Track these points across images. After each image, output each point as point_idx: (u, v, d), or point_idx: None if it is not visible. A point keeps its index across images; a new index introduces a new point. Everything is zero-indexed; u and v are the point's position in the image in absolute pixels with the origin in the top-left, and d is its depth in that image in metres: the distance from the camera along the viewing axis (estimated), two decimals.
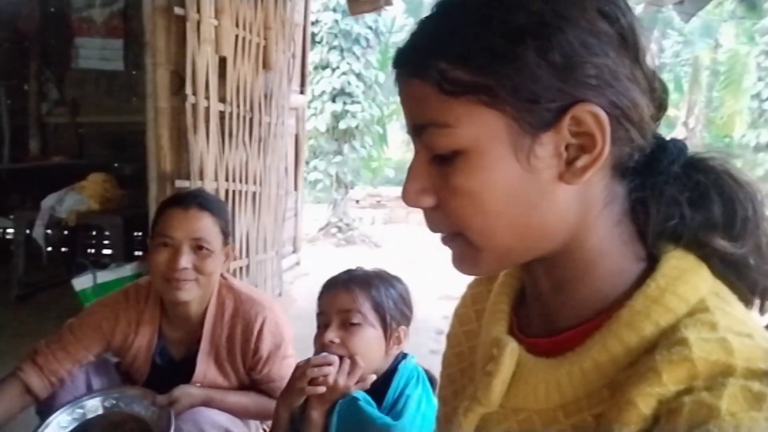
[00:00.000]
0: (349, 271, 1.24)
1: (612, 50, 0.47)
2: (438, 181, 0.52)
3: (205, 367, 1.50)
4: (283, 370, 1.53)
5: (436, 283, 4.14)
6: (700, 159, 0.55)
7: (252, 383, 1.56)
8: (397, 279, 1.27)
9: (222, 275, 1.54)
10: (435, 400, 1.17)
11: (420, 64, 0.50)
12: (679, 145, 0.55)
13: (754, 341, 0.46)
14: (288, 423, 1.18)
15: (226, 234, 1.48)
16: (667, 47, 14.62)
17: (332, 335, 1.15)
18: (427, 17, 0.52)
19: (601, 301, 0.53)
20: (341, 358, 1.14)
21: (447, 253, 0.56)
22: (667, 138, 0.55)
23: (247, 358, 1.50)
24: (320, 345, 1.17)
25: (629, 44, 0.49)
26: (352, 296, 1.17)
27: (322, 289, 1.23)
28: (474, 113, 0.48)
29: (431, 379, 1.23)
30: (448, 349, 0.75)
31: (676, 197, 0.53)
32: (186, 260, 1.39)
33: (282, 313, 1.59)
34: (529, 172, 0.48)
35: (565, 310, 0.55)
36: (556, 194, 0.50)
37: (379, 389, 1.17)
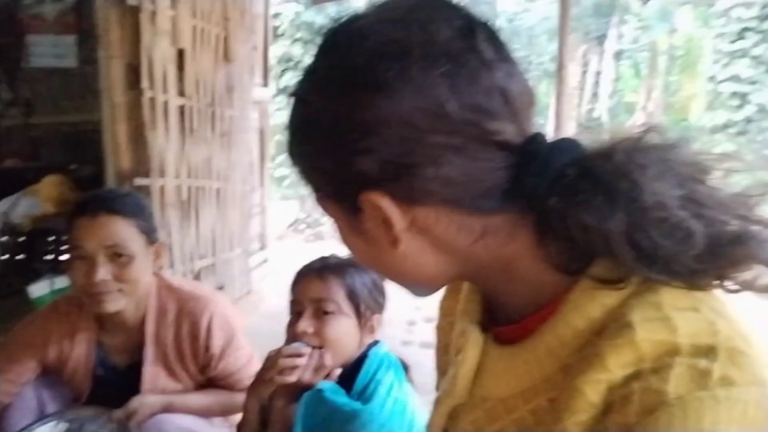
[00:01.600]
0: (322, 259, 1.20)
1: (382, 135, 0.48)
2: None
3: (153, 372, 1.43)
4: (239, 361, 1.49)
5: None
6: (572, 175, 0.49)
7: (207, 381, 1.50)
8: None
9: (159, 275, 1.47)
10: (408, 386, 1.17)
11: (288, 153, 0.58)
12: (543, 157, 0.49)
13: (699, 314, 0.45)
14: (258, 413, 1.16)
15: (149, 232, 1.38)
16: (625, 33, 14.88)
17: (305, 325, 1.12)
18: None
19: (555, 288, 0.52)
20: (313, 349, 1.11)
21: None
22: (542, 143, 0.51)
23: (199, 357, 1.44)
24: (293, 334, 1.14)
25: (405, 120, 0.47)
26: (326, 285, 1.14)
27: (295, 276, 1.20)
28: (322, 201, 0.56)
29: (405, 367, 1.21)
30: (438, 342, 0.76)
31: (558, 210, 0.49)
32: (103, 272, 1.29)
33: (228, 304, 1.54)
34: (371, 243, 0.54)
35: (519, 303, 0.55)
36: (403, 254, 0.53)
37: (349, 375, 1.14)
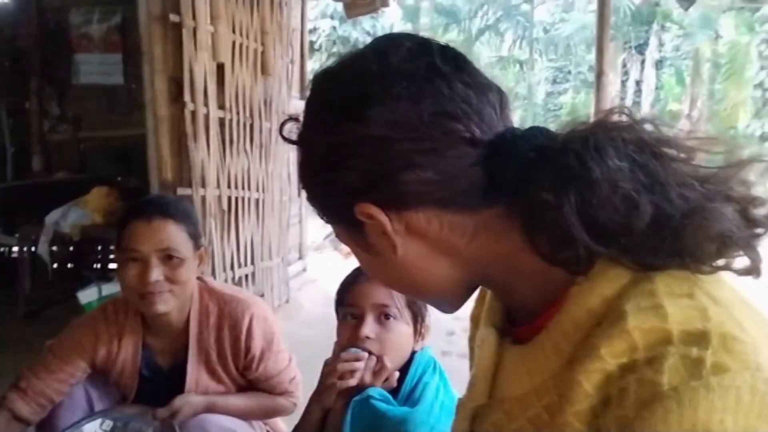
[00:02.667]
0: None
1: (360, 150, 0.53)
2: None
3: (196, 374, 1.46)
4: (279, 364, 1.50)
5: None
6: (533, 160, 0.52)
7: (248, 383, 1.52)
8: None
9: (201, 278, 1.51)
10: (453, 390, 1.16)
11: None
12: (503, 155, 0.52)
13: (692, 301, 0.46)
14: (321, 421, 1.14)
15: (196, 238, 1.43)
16: (666, 41, 14.59)
17: (369, 330, 1.11)
18: None
19: (561, 284, 0.53)
20: (369, 354, 1.10)
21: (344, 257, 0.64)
22: (510, 134, 0.54)
23: (239, 359, 1.46)
24: (354, 339, 1.11)
25: (375, 136, 0.52)
26: (389, 290, 1.11)
27: (348, 278, 1.18)
28: (332, 226, 0.61)
29: None
30: (470, 352, 0.77)
31: (537, 199, 0.51)
32: (156, 273, 1.34)
33: (268, 307, 1.56)
34: (377, 255, 0.58)
35: (531, 302, 0.57)
36: (409, 261, 0.57)
37: (396, 379, 1.13)
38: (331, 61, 0.60)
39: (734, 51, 13.36)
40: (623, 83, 14.55)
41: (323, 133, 0.55)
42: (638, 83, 14.64)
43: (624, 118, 0.53)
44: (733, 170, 0.51)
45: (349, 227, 0.59)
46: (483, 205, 0.54)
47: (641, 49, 14.37)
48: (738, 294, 0.50)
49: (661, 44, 14.49)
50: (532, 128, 0.55)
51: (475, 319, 0.75)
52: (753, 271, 0.49)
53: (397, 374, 1.12)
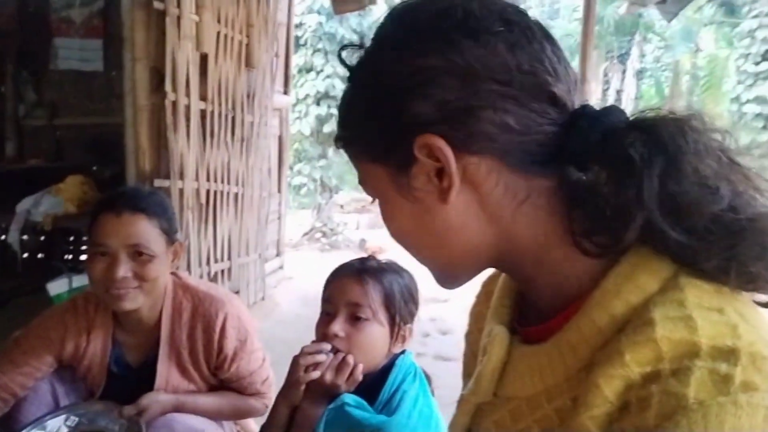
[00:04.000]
0: (362, 260, 1.17)
1: (439, 80, 0.51)
2: None
3: (166, 371, 1.43)
4: (252, 364, 1.47)
5: (422, 287, 4.10)
6: (619, 129, 0.51)
7: (220, 383, 1.49)
8: (408, 273, 1.20)
9: (175, 274, 1.47)
10: (432, 398, 1.14)
11: (337, 138, 0.61)
12: (589, 119, 0.52)
13: (723, 317, 0.45)
14: (286, 417, 1.13)
15: (170, 233, 1.38)
16: (648, 52, 14.80)
17: (337, 328, 1.09)
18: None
19: (577, 286, 0.53)
20: (335, 353, 1.09)
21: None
22: (591, 108, 0.53)
23: (212, 358, 1.43)
24: (323, 335, 1.11)
25: (460, 67, 0.51)
26: (365, 289, 1.10)
27: (331, 274, 1.16)
28: (369, 170, 0.58)
29: (428, 378, 1.18)
30: (467, 348, 0.76)
31: (597, 178, 0.51)
32: (124, 269, 1.30)
33: (243, 306, 1.53)
34: (417, 202, 0.55)
35: (545, 300, 0.56)
36: (450, 213, 0.54)
37: (374, 385, 1.12)
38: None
39: (713, 64, 13.63)
40: (604, 92, 14.73)
41: (407, 55, 0.52)
42: (619, 92, 14.84)
43: (702, 124, 0.52)
44: None
45: (393, 165, 0.55)
46: (538, 174, 0.53)
47: (623, 59, 14.56)
48: (763, 315, 0.49)
49: (642, 55, 14.69)
50: (612, 106, 0.54)
51: (475, 315, 0.75)
52: None
53: (360, 367, 1.10)
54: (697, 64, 14.63)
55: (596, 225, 0.50)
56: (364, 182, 0.59)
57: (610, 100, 14.72)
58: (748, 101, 11.67)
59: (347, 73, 0.59)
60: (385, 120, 0.54)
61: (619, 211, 0.48)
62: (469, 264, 0.58)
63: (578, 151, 0.51)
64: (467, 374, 0.75)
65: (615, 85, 14.90)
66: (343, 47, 0.60)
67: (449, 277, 0.61)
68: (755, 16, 11.61)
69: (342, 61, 0.59)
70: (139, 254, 1.32)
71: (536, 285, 0.57)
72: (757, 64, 11.61)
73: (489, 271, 0.70)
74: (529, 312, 0.60)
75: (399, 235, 0.59)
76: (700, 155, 0.49)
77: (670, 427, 0.41)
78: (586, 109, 0.53)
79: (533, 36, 0.52)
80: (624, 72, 14.79)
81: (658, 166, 0.48)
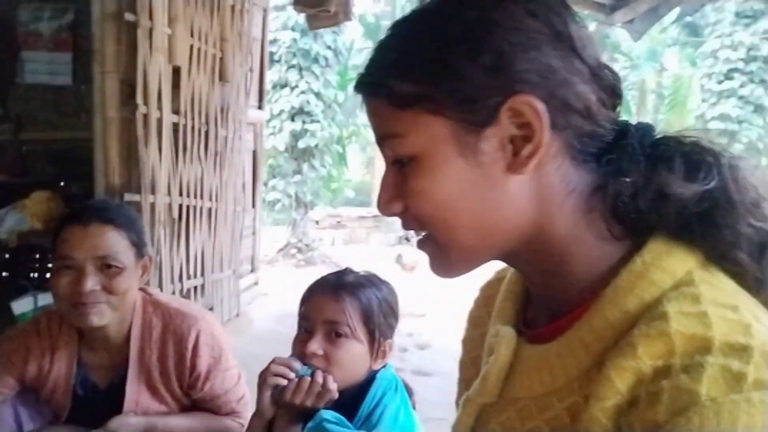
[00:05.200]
0: (339, 275, 1.14)
1: (544, 44, 0.50)
2: (402, 186, 0.55)
3: (136, 393, 1.37)
4: (227, 382, 1.42)
5: (399, 302, 4.09)
6: (668, 138, 0.55)
7: (193, 403, 1.44)
8: (387, 285, 1.17)
9: (145, 290, 1.42)
10: (413, 412, 1.13)
11: (373, 83, 0.55)
12: (642, 128, 0.55)
13: (737, 314, 0.45)
14: None
15: (139, 246, 1.34)
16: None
17: (315, 347, 1.07)
18: (379, 40, 0.57)
19: (591, 284, 0.53)
20: (314, 372, 1.06)
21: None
22: (634, 122, 0.56)
23: (184, 377, 1.38)
24: (301, 354, 1.08)
25: (563, 37, 0.51)
26: (342, 306, 1.07)
27: (308, 290, 1.14)
28: (420, 122, 0.52)
29: (409, 391, 1.17)
30: (464, 354, 0.75)
31: (643, 181, 0.52)
32: (92, 282, 1.24)
33: (216, 322, 1.48)
34: (478, 167, 0.51)
35: (558, 297, 0.56)
36: (508, 186, 0.52)
37: (355, 399, 1.09)
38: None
39: (678, 83, 14.05)
40: None
41: (518, 12, 0.51)
42: None
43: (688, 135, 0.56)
44: None
45: (469, 121, 0.51)
46: (589, 168, 0.54)
47: None
48: None
49: None
50: (639, 123, 0.57)
51: (474, 321, 0.74)
52: None
53: (335, 386, 1.07)
54: (662, 83, 15.06)
55: (629, 224, 0.53)
56: (404, 135, 0.53)
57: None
58: (712, 118, 12.01)
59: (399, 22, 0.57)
60: (480, 69, 0.50)
61: (658, 213, 0.51)
62: (493, 246, 0.55)
63: (631, 154, 0.53)
64: (463, 380, 0.74)
65: None
66: None
67: (460, 261, 0.56)
68: (718, 37, 12.01)
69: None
70: (107, 266, 1.27)
71: (552, 279, 0.56)
72: (720, 83, 11.99)
73: (487, 276, 0.69)
74: (536, 314, 0.60)
75: (436, 201, 0.53)
76: (745, 170, 0.53)
77: (681, 423, 0.41)
78: (628, 122, 0.56)
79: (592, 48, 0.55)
80: None
81: (728, 162, 0.51)
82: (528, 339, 0.59)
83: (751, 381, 0.41)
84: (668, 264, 0.49)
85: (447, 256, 0.56)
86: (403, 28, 0.55)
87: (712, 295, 0.47)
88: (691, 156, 0.52)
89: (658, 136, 0.55)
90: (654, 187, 0.51)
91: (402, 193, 0.55)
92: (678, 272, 0.49)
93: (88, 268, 1.25)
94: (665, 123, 14.45)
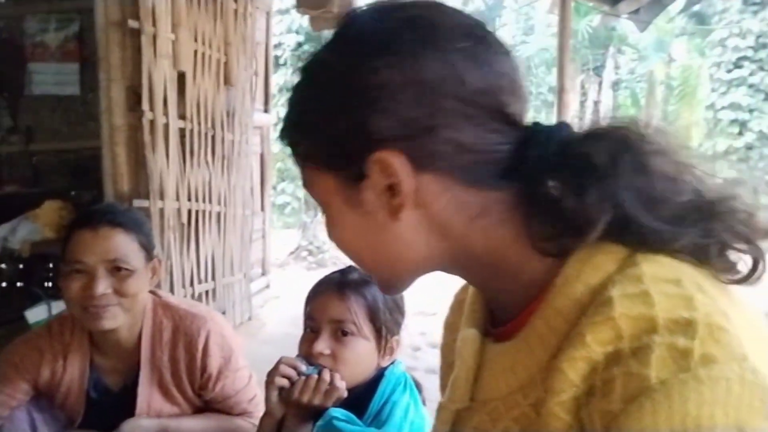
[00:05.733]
0: (342, 273, 1.13)
1: (403, 96, 0.50)
2: None
3: (148, 395, 1.37)
4: (238, 383, 1.42)
5: (410, 301, 4.07)
6: (575, 140, 0.52)
7: (205, 404, 1.44)
8: None
9: (155, 293, 1.42)
10: (423, 408, 1.12)
11: (282, 138, 0.59)
12: (544, 133, 0.52)
13: (679, 288, 0.45)
14: None
15: (148, 249, 1.35)
16: (622, 64, 15.07)
17: (322, 346, 1.06)
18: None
19: (540, 281, 0.52)
20: (321, 371, 1.06)
21: None
22: (542, 125, 0.54)
23: (195, 378, 1.38)
24: (308, 354, 1.08)
25: (426, 83, 0.50)
26: (347, 305, 1.07)
27: (312, 290, 1.13)
28: (314, 176, 0.56)
29: (418, 386, 1.16)
30: (442, 360, 0.75)
31: (554, 188, 0.51)
32: (103, 285, 1.25)
33: (226, 323, 1.48)
34: (366, 215, 0.53)
35: (509, 299, 0.55)
36: (400, 229, 0.53)
37: (364, 397, 1.08)
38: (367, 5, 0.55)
39: (686, 74, 13.92)
40: (582, 103, 14.95)
41: (370, 66, 0.50)
42: (596, 103, 15.07)
43: (643, 129, 0.53)
44: (737, 183, 0.52)
45: (345, 176, 0.53)
46: (494, 187, 0.52)
47: (598, 71, 14.80)
48: (721, 284, 0.49)
49: (617, 66, 14.95)
50: (562, 122, 0.55)
51: (449, 327, 0.73)
52: (753, 274, 0.49)
53: (344, 393, 1.07)
54: (671, 74, 14.93)
55: (557, 230, 0.50)
56: (310, 187, 0.58)
57: (588, 112, 14.94)
58: (722, 108, 11.91)
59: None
60: (342, 130, 0.52)
61: (583, 214, 0.48)
62: (415, 273, 0.58)
63: (536, 163, 0.51)
64: (443, 386, 0.73)
65: (592, 96, 15.13)
66: (308, 61, 0.58)
67: (392, 286, 0.60)
68: (726, 25, 11.91)
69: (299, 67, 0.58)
70: (117, 269, 1.27)
71: (496, 286, 0.56)
72: (729, 71, 11.88)
73: (460, 282, 0.68)
74: (497, 309, 0.60)
75: (342, 244, 0.58)
76: (663, 150, 0.50)
77: (635, 410, 0.40)
78: (538, 125, 0.53)
79: (496, 51, 0.52)
80: (600, 84, 15.03)
81: (626, 164, 0.49)
82: (494, 339, 0.58)
83: (698, 357, 0.40)
84: (610, 248, 0.49)
85: (376, 281, 0.61)
86: (294, 88, 0.58)
87: (654, 271, 0.46)
88: (582, 162, 0.50)
89: (567, 137, 0.53)
90: (565, 193, 0.51)
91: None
92: (620, 254, 0.48)
93: (99, 272, 1.26)
94: (675, 114, 14.34)
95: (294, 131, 0.57)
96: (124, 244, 1.29)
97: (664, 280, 0.45)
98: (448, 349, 0.73)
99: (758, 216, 0.50)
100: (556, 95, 4.59)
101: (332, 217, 0.57)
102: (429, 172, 0.51)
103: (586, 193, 0.48)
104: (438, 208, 0.52)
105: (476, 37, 0.52)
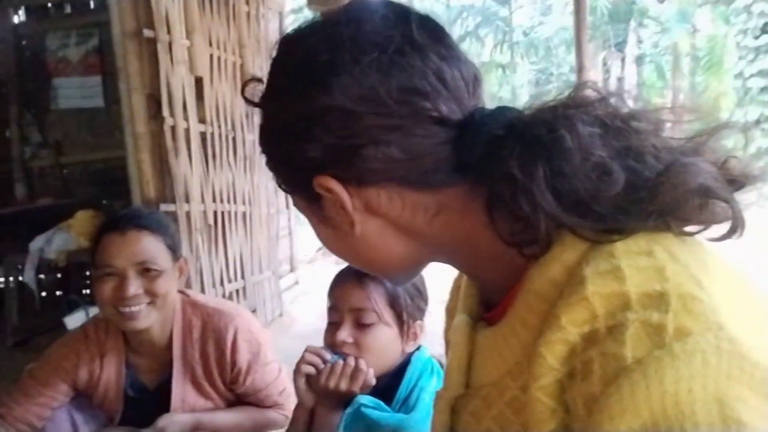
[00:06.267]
0: None
1: (326, 123, 0.51)
2: None
3: (182, 391, 1.42)
4: (267, 376, 1.46)
5: (435, 290, 4.08)
6: (498, 138, 0.50)
7: (237, 398, 1.48)
8: None
9: (184, 292, 1.47)
10: None
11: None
12: (473, 130, 0.51)
13: (651, 259, 0.44)
14: (305, 423, 1.12)
15: (174, 249, 1.39)
16: (645, 38, 14.72)
17: (344, 335, 1.08)
18: None
19: (522, 263, 0.51)
20: (345, 359, 1.07)
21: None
22: (477, 116, 0.52)
23: (226, 373, 1.42)
24: (331, 344, 1.09)
25: (342, 107, 0.50)
26: (366, 293, 1.08)
27: (333, 280, 1.15)
28: (292, 196, 0.60)
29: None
30: (446, 347, 0.75)
31: (497, 182, 0.50)
32: (134, 286, 1.30)
33: (253, 318, 1.52)
34: (334, 228, 0.57)
35: (495, 283, 0.56)
36: (366, 237, 0.55)
37: (391, 383, 1.10)
38: (301, 23, 0.57)
39: (712, 43, 13.51)
40: (606, 81, 14.66)
41: (287, 100, 0.53)
42: (620, 80, 14.76)
43: (592, 93, 0.52)
44: (705, 138, 0.49)
45: (307, 198, 0.57)
46: (447, 184, 0.53)
47: (620, 47, 14.50)
48: (700, 249, 0.47)
49: (639, 41, 14.62)
50: (500, 107, 0.53)
51: (450, 312, 0.74)
52: (734, 229, 0.47)
53: (373, 381, 1.08)
54: (696, 45, 14.52)
55: (515, 223, 0.49)
56: (295, 205, 0.61)
57: (612, 89, 14.63)
58: (752, 76, 11.53)
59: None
60: (285, 162, 0.56)
61: (524, 217, 0.48)
62: (406, 268, 0.60)
63: (470, 165, 0.51)
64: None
65: (615, 73, 14.82)
66: (246, 83, 0.60)
67: (394, 280, 0.63)
68: None
69: (246, 99, 0.59)
70: (147, 270, 1.32)
71: (480, 273, 0.58)
72: (756, 38, 11.48)
73: None
74: (486, 293, 0.60)
75: (331, 251, 0.61)
76: (582, 145, 0.47)
77: (614, 392, 0.40)
78: (474, 116, 0.51)
79: (414, 50, 0.50)
80: (623, 60, 14.72)
81: (541, 172, 0.47)
82: (486, 324, 0.58)
83: (672, 331, 0.40)
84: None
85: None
86: None
87: (626, 244, 0.45)
88: (502, 170, 0.49)
89: (493, 133, 0.51)
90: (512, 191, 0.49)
91: None
92: (600, 235, 0.47)
93: (130, 274, 1.30)
94: (703, 85, 13.96)
95: (269, 167, 0.60)
96: (151, 246, 1.33)
97: (636, 252, 0.45)
98: (449, 334, 0.74)
99: (727, 168, 0.48)
100: (576, 74, 4.52)
101: (315, 230, 0.60)
102: (371, 186, 0.53)
103: (517, 201, 0.48)
104: (395, 214, 0.54)
105: (387, 40, 0.50)
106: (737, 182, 0.48)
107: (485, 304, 0.61)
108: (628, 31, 14.34)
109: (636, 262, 0.44)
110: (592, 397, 0.41)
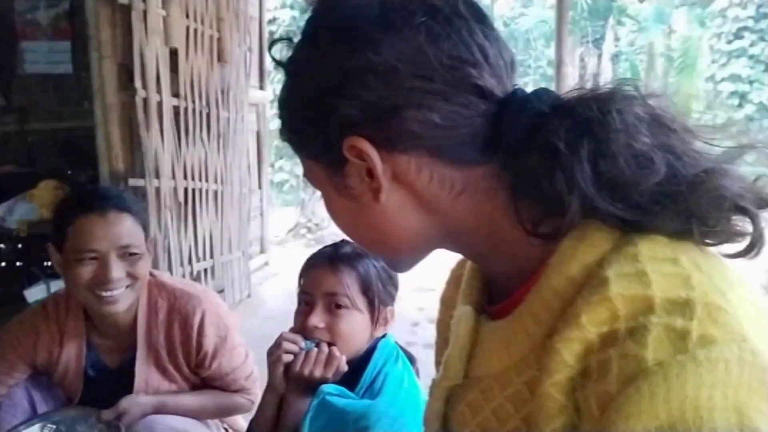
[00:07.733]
0: (335, 246, 1.14)
1: (364, 80, 0.50)
2: None
3: (145, 373, 1.39)
4: (234, 360, 1.44)
5: (409, 276, 4.08)
6: (544, 115, 0.50)
7: (202, 382, 1.46)
8: None
9: (150, 272, 1.41)
10: (417, 379, 1.13)
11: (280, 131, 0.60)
12: (516, 106, 0.51)
13: (676, 267, 0.44)
14: (275, 408, 1.11)
15: (146, 228, 1.35)
16: (622, 36, 14.89)
17: (316, 320, 1.08)
18: None
19: (537, 258, 0.51)
20: (318, 345, 1.07)
21: None
22: (519, 95, 0.52)
23: (191, 357, 1.40)
24: (303, 328, 1.09)
25: (385, 65, 0.49)
26: (339, 278, 1.08)
27: (306, 263, 1.14)
28: (307, 165, 0.58)
29: (411, 360, 1.17)
30: (438, 336, 0.76)
31: (533, 165, 0.50)
32: (117, 271, 1.25)
33: (221, 302, 1.49)
34: (353, 199, 0.55)
35: (507, 273, 0.55)
36: (386, 208, 0.54)
37: (357, 369, 1.10)
38: None
39: (686, 45, 13.75)
40: (581, 76, 14.81)
41: (329, 54, 0.51)
42: (595, 76, 14.92)
43: (634, 90, 0.51)
44: (737, 152, 0.49)
45: (329, 165, 0.55)
46: (476, 162, 0.52)
47: (598, 43, 14.63)
48: (720, 262, 0.48)
49: (617, 39, 14.78)
50: (542, 88, 0.53)
51: (446, 302, 0.74)
52: (752, 246, 0.47)
53: (345, 367, 1.08)
54: (671, 46, 14.76)
55: (539, 210, 0.50)
56: (308, 177, 0.60)
57: (588, 84, 14.76)
58: (722, 80, 11.81)
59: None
60: (316, 121, 0.53)
61: (555, 197, 0.48)
62: (415, 250, 0.59)
63: (509, 139, 0.50)
64: (438, 362, 0.74)
65: (591, 69, 14.98)
66: (273, 42, 0.59)
67: (397, 262, 0.62)
68: None
69: (273, 59, 0.58)
70: (129, 254, 1.28)
71: (492, 263, 0.57)
72: (729, 42, 11.75)
73: (457, 257, 0.69)
74: (493, 288, 0.60)
75: (342, 228, 0.60)
76: (629, 130, 0.48)
77: (632, 392, 0.39)
78: (516, 94, 0.52)
79: (461, 21, 0.50)
80: (600, 56, 14.87)
81: (586, 149, 0.47)
82: (490, 316, 0.58)
83: (696, 338, 0.40)
84: (606, 226, 0.48)
85: (383, 260, 0.63)
86: (282, 87, 0.59)
87: (651, 250, 0.45)
88: (546, 144, 0.49)
89: (538, 110, 0.51)
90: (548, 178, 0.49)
91: None
92: (617, 233, 0.47)
93: (112, 257, 1.25)
94: (675, 86, 14.21)
95: (284, 127, 0.58)
96: (132, 228, 1.29)
97: (661, 259, 0.44)
98: (443, 324, 0.74)
99: (756, 187, 0.48)
100: (555, 68, 4.55)
101: (329, 203, 0.58)
102: (403, 152, 0.51)
103: (554, 178, 0.48)
104: (421, 186, 0.53)
105: (437, 8, 0.50)
106: (764, 201, 0.48)
107: (489, 297, 0.61)
108: (606, 28, 14.48)
109: (661, 268, 0.44)
110: (608, 396, 0.41)
